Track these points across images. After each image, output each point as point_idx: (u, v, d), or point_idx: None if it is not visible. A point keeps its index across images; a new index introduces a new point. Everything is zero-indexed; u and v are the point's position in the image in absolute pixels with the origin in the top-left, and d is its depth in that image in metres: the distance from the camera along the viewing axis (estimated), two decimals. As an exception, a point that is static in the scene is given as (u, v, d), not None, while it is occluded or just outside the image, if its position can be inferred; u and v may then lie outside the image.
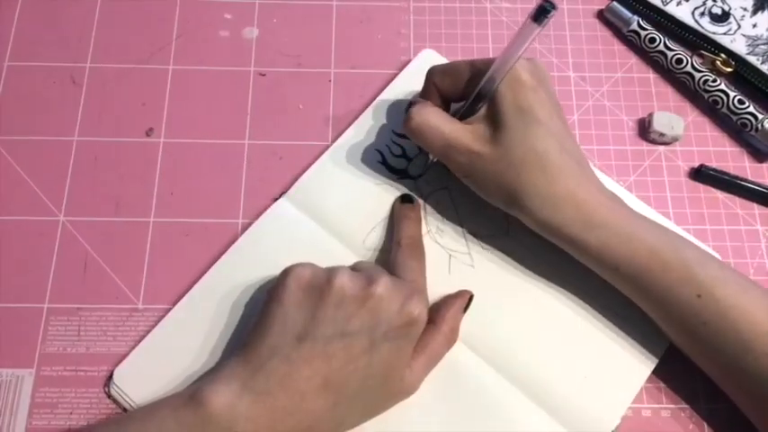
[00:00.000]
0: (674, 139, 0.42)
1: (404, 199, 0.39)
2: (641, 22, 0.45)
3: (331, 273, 0.32)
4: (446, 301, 0.36)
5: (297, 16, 0.45)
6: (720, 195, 0.41)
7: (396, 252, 0.37)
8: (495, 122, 0.34)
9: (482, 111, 0.35)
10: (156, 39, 0.44)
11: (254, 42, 0.44)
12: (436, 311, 0.35)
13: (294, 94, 0.43)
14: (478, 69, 0.35)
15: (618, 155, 0.42)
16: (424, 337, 0.33)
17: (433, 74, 0.37)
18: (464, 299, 0.36)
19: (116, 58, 0.44)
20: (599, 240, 0.33)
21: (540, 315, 0.37)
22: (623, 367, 0.36)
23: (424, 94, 0.38)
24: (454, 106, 0.38)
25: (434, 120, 0.35)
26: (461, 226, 0.39)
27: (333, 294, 0.31)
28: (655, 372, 0.36)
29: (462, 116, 0.36)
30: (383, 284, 0.31)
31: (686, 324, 0.33)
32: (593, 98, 0.44)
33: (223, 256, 0.38)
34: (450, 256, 0.39)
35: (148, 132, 0.42)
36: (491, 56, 0.41)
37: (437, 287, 0.37)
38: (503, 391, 0.35)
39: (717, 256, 0.37)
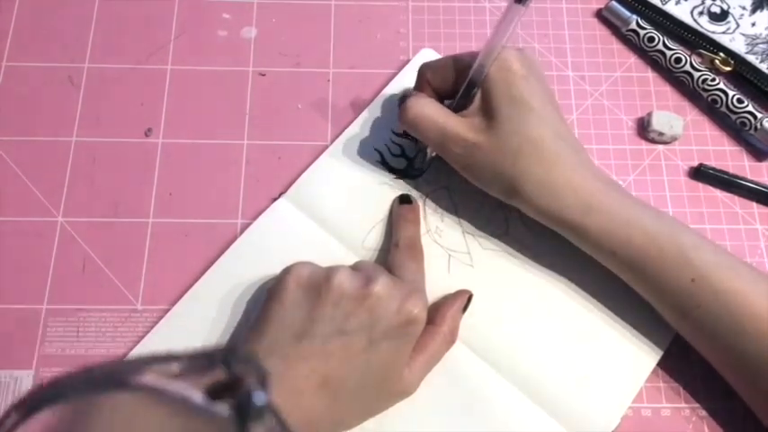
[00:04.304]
0: (673, 139, 0.42)
1: (402, 199, 0.39)
2: (640, 21, 0.45)
3: (330, 271, 0.32)
4: (445, 300, 0.36)
5: (295, 16, 0.45)
6: (719, 194, 0.41)
7: (394, 253, 0.37)
8: (488, 113, 0.34)
9: (476, 103, 0.35)
10: (155, 39, 0.44)
11: (253, 42, 0.44)
12: (435, 311, 0.35)
13: (293, 93, 0.43)
14: (466, 62, 0.35)
15: (617, 154, 0.42)
16: (424, 336, 0.33)
17: (425, 71, 0.37)
18: (463, 299, 0.36)
19: (114, 59, 0.43)
20: (597, 225, 0.33)
21: (539, 314, 0.37)
22: (623, 367, 0.36)
23: (418, 90, 0.38)
24: (446, 103, 0.38)
25: (430, 111, 0.35)
26: (461, 226, 0.39)
27: (331, 293, 0.31)
28: (655, 372, 0.36)
29: (455, 109, 0.36)
30: (382, 283, 0.31)
31: (681, 308, 0.33)
32: (593, 97, 0.44)
33: (222, 256, 0.38)
34: (449, 256, 0.38)
35: (147, 133, 0.42)
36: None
37: (436, 287, 0.37)
38: (502, 390, 0.35)
39: None
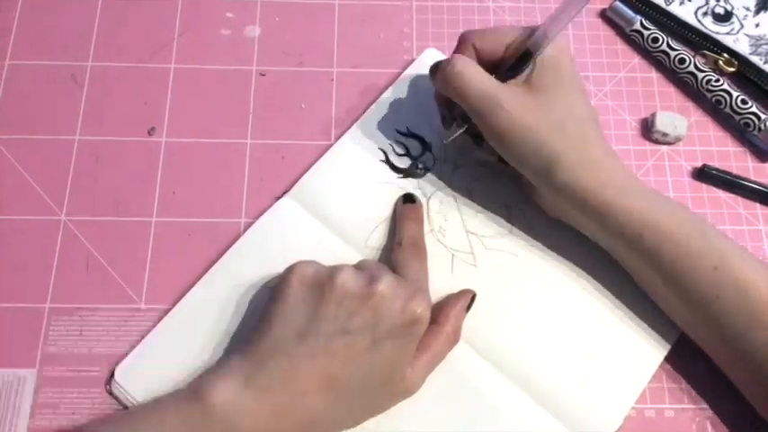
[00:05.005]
0: (677, 139, 0.42)
1: (406, 198, 0.39)
2: (644, 21, 0.45)
3: (333, 270, 0.32)
4: (449, 300, 0.36)
5: (299, 15, 0.45)
6: (723, 195, 0.41)
7: (397, 252, 0.37)
8: (536, 87, 0.34)
9: (522, 76, 0.35)
10: (158, 37, 0.44)
11: (256, 41, 0.44)
12: (439, 311, 0.35)
13: (296, 93, 0.43)
14: (528, 32, 0.34)
15: (621, 154, 0.41)
16: (427, 336, 0.33)
17: (471, 35, 0.36)
18: (467, 298, 0.36)
19: (117, 57, 0.43)
20: (630, 205, 0.34)
21: (542, 314, 0.37)
22: (626, 367, 0.36)
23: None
24: None
25: (476, 70, 0.34)
26: (464, 225, 0.39)
27: (335, 292, 0.31)
28: (658, 372, 0.36)
29: (502, 78, 0.35)
30: (386, 282, 0.31)
31: (700, 297, 0.33)
32: (597, 98, 0.44)
33: (225, 255, 0.38)
34: (452, 256, 0.38)
35: (150, 131, 0.41)
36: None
37: (440, 286, 0.37)
38: (505, 391, 0.35)
39: None
